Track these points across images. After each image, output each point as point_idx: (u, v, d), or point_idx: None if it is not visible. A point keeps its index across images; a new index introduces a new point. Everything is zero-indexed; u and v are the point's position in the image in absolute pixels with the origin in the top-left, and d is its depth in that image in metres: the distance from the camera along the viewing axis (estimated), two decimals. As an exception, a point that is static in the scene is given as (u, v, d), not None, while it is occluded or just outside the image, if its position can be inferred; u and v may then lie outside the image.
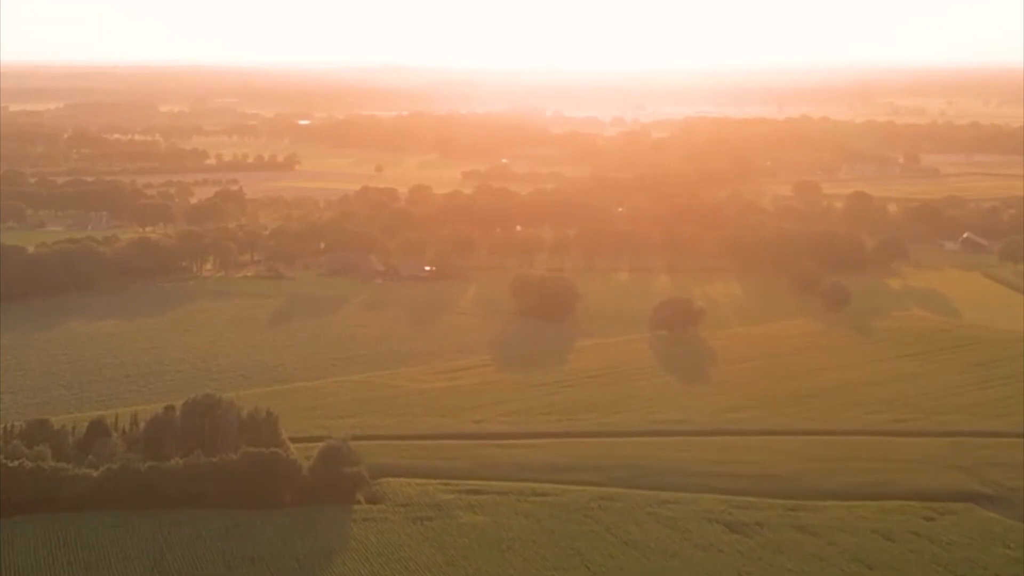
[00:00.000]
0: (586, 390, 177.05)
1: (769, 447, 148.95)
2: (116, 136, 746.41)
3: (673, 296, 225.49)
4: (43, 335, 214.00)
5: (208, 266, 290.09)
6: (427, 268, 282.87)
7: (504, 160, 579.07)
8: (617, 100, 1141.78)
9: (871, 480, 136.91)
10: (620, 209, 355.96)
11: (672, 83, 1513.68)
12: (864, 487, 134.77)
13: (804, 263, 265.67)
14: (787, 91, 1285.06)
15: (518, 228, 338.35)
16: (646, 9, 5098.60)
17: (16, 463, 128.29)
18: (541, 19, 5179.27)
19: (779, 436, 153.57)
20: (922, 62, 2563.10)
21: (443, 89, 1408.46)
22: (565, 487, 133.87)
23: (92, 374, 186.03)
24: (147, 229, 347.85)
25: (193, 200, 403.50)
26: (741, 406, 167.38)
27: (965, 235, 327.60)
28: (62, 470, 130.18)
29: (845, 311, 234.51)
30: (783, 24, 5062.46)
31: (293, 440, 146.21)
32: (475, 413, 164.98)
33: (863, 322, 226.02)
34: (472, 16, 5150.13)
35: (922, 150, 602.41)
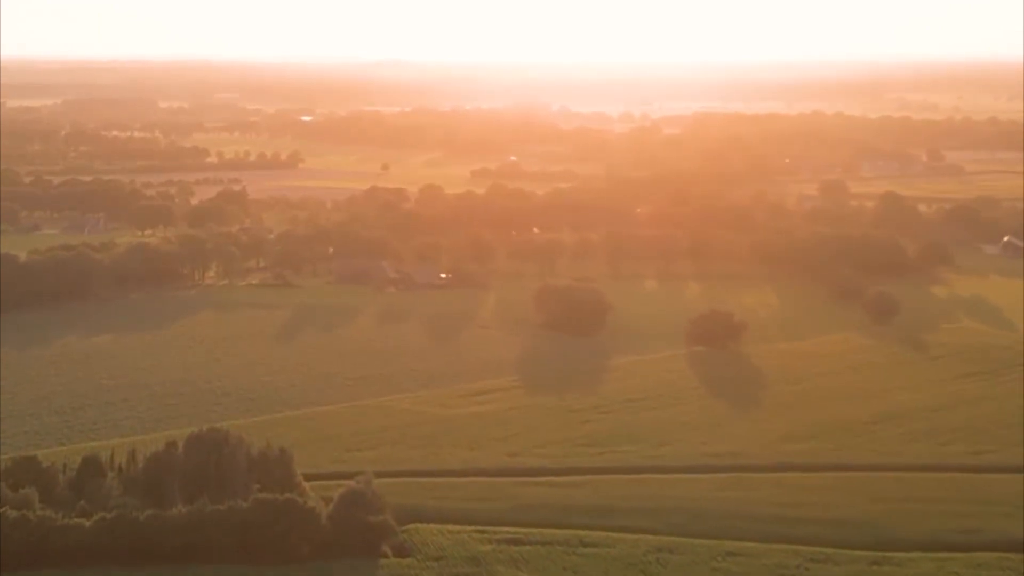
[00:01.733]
0: (627, 416, 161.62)
1: (839, 485, 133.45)
2: (115, 133, 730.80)
3: (711, 309, 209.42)
4: (35, 352, 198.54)
5: (211, 273, 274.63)
6: (443, 275, 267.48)
7: (513, 158, 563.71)
8: (621, 94, 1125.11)
9: (958, 526, 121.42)
10: (640, 210, 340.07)
11: (673, 77, 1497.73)
12: (951, 535, 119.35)
13: (843, 270, 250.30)
14: (791, 86, 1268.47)
15: (535, 231, 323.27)
16: (644, 3, 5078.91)
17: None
18: (540, 13, 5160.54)
19: (848, 472, 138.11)
20: (922, 56, 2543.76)
21: (445, 84, 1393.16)
22: (616, 535, 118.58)
23: (86, 397, 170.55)
24: (146, 232, 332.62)
25: (194, 201, 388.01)
26: (801, 435, 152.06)
27: (1006, 238, 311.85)
28: (50, 520, 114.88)
29: (892, 323, 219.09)
30: (780, 18, 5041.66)
31: (308, 477, 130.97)
32: (508, 444, 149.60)
33: (914, 336, 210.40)
34: (470, 9, 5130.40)
35: (942, 147, 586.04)
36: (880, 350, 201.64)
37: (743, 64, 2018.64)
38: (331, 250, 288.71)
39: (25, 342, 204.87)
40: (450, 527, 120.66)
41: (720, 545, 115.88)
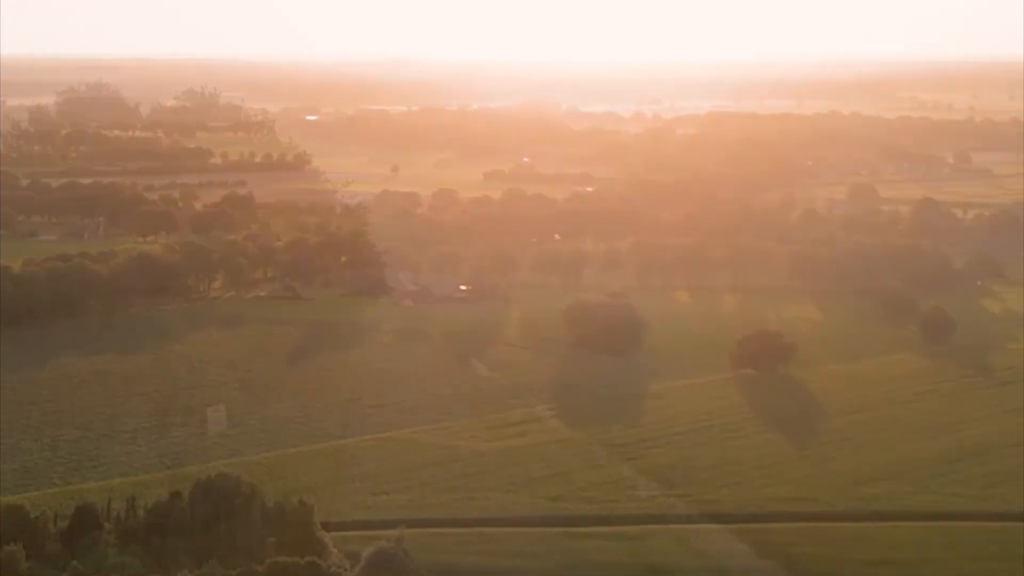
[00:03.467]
0: (677, 453, 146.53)
1: (931, 539, 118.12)
2: (116, 133, 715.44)
3: (760, 329, 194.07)
4: (28, 375, 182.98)
5: (216, 284, 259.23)
6: (462, 287, 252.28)
7: (526, 159, 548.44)
8: (629, 93, 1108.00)
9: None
10: (666, 216, 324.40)
11: (680, 76, 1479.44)
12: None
13: (889, 283, 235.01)
14: (799, 84, 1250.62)
15: (556, 237, 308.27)
16: (647, 2, 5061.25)
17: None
18: (545, 11, 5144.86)
19: (939, 522, 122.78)
20: (924, 55, 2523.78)
21: (451, 82, 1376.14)
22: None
23: (83, 429, 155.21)
24: (148, 239, 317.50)
25: (198, 205, 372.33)
26: (874, 476, 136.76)
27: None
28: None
29: (948, 343, 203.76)
30: (782, 16, 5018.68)
31: (330, 527, 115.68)
32: (549, 486, 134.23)
33: (976, 358, 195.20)
34: (475, 7, 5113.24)
35: (966, 148, 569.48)
36: (942, 374, 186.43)
37: (747, 62, 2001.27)
38: (343, 259, 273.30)
39: (19, 363, 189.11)
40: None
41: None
